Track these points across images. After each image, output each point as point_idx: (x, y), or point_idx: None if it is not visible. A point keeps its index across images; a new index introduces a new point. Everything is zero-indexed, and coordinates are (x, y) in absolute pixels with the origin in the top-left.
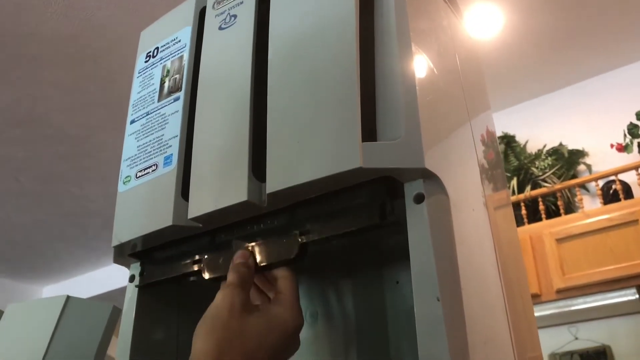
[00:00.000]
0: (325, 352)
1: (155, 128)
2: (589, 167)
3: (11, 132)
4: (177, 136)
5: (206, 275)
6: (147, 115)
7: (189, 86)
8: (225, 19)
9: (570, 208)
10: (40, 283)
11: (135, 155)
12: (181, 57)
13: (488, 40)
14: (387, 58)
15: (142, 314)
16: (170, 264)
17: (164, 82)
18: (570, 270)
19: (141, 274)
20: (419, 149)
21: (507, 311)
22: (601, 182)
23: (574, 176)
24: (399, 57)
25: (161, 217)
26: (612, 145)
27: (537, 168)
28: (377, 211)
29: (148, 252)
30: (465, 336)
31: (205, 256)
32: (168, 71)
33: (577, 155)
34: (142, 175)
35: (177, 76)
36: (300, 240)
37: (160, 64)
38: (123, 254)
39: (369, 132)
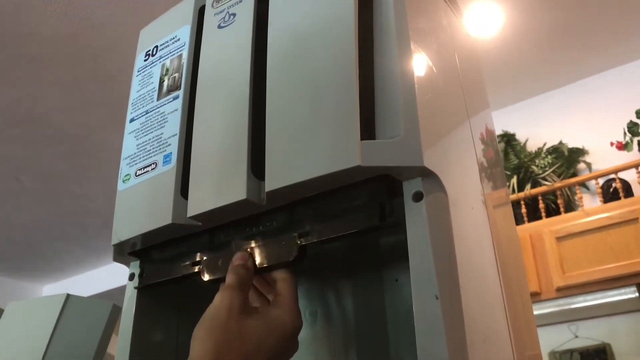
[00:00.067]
0: (324, 351)
1: (155, 126)
2: (589, 165)
3: (11, 132)
4: (176, 135)
5: (205, 277)
6: (146, 113)
7: (188, 85)
8: (224, 18)
9: (570, 206)
10: (40, 282)
11: (135, 153)
12: (180, 56)
13: (488, 39)
14: (386, 57)
15: (141, 314)
16: (170, 265)
17: (163, 80)
18: (570, 268)
19: (140, 275)
20: (418, 147)
21: (506, 309)
22: (601, 181)
23: (574, 174)
24: (398, 55)
25: (160, 216)
26: (612, 144)
27: (537, 166)
28: (376, 212)
29: (147, 253)
30: (464, 334)
31: (205, 258)
32: (167, 70)
33: (577, 154)
34: (141, 174)
35: (177, 75)
36: (299, 242)
37: (160, 62)
38: (123, 252)
39: (368, 130)
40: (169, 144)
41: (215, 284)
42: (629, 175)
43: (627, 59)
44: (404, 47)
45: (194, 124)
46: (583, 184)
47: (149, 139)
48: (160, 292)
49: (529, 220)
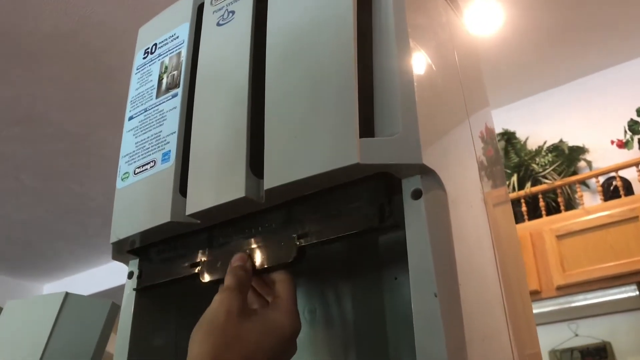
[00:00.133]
0: (323, 349)
1: (154, 124)
2: (589, 163)
3: (11, 130)
4: (175, 132)
5: (204, 279)
6: (145, 111)
7: (187, 82)
8: (223, 15)
9: (571, 204)
10: (41, 281)
11: (134, 151)
12: (179, 54)
13: (489, 37)
14: (385, 54)
15: (140, 315)
16: (168, 266)
17: (162, 78)
18: (570, 267)
19: (139, 277)
20: (417, 145)
21: (505, 308)
22: (601, 179)
23: (574, 173)
24: (397, 53)
25: (159, 214)
26: (612, 142)
27: (537, 164)
28: (376, 213)
29: (147, 252)
30: (463, 332)
31: (203, 259)
32: (166, 67)
33: (577, 152)
34: (140, 172)
35: (175, 72)
36: (298, 243)
37: (159, 60)
38: (121, 250)
39: (367, 128)
40: (168, 142)
41: (214, 285)
42: (629, 174)
43: (627, 56)
44: (403, 45)
45: (192, 122)
46: (583, 182)
47: (148, 137)
48: (158, 293)
49: (530, 219)
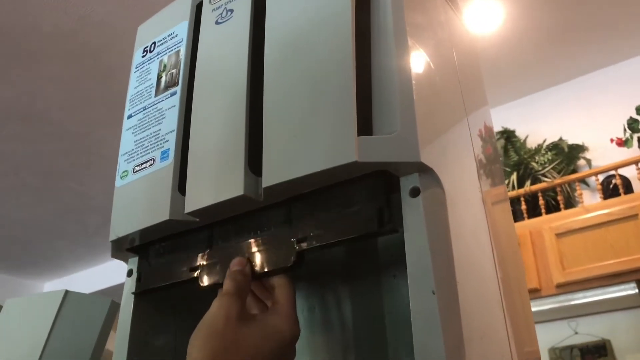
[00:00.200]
0: (323, 351)
1: (152, 123)
2: (588, 161)
3: (11, 129)
4: (173, 131)
5: (203, 283)
6: (144, 110)
7: (186, 81)
8: (221, 14)
9: (570, 203)
10: (41, 279)
11: (133, 150)
12: (178, 52)
13: (488, 35)
14: (384, 52)
15: (139, 319)
16: (167, 270)
17: (161, 76)
18: (570, 265)
19: (138, 280)
20: (415, 143)
21: (503, 305)
22: (601, 177)
23: (574, 171)
24: (395, 51)
25: (158, 212)
26: (612, 140)
27: (537, 163)
28: (375, 218)
29: (146, 254)
30: (461, 330)
31: (202, 263)
32: (165, 66)
33: (577, 150)
34: (139, 170)
35: (174, 71)
36: (297, 247)
37: (157, 58)
38: (121, 248)
39: (365, 126)
40: (167, 140)
41: (213, 289)
42: (628, 172)
43: (627, 55)
44: (401, 43)
45: (191, 120)
46: (583, 181)
47: (147, 135)
48: (158, 296)
49: (529, 217)
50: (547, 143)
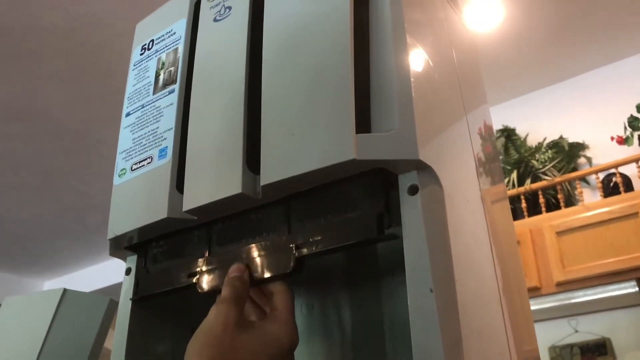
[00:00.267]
0: (321, 347)
1: (150, 121)
2: (589, 160)
3: (11, 127)
4: (172, 129)
5: (201, 289)
6: (142, 108)
7: (184, 79)
8: (220, 11)
9: (571, 201)
10: (41, 278)
11: (131, 148)
12: (176, 50)
13: (488, 33)
14: (382, 50)
15: (136, 325)
16: (165, 276)
17: (159, 74)
18: (570, 263)
19: (136, 286)
20: (413, 141)
21: (502, 303)
22: (601, 175)
23: (574, 169)
24: (393, 49)
25: (156, 210)
26: (612, 138)
27: (537, 161)
28: (374, 224)
29: (144, 252)
30: (459, 328)
31: (201, 269)
32: (163, 64)
33: (577, 148)
34: (137, 168)
35: (172, 69)
36: (296, 253)
37: (155, 56)
38: (119, 246)
39: (363, 123)
40: (165, 138)
41: (211, 295)
42: (629, 170)
43: (627, 53)
44: (400, 41)
45: (189, 118)
46: (583, 179)
47: (145, 133)
48: (155, 302)
49: (529, 215)
50: (547, 141)
